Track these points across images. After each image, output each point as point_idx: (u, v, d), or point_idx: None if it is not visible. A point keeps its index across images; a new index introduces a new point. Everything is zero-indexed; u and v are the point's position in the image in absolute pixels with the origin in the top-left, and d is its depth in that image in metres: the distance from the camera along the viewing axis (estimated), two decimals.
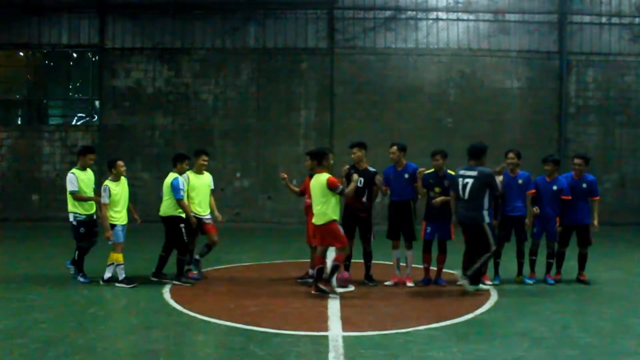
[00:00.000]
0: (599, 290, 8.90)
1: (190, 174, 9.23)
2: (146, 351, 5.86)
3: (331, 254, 8.46)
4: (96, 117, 19.00)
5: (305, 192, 9.02)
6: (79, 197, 8.86)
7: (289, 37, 17.85)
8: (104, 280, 8.76)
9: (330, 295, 8.03)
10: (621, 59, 18.02)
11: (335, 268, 8.15)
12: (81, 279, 8.91)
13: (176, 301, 7.79)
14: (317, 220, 8.15)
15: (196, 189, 9.20)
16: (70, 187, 8.84)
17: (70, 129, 18.54)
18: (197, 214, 9.12)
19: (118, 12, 18.04)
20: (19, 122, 19.91)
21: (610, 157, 17.91)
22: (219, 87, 17.95)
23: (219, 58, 17.93)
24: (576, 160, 9.35)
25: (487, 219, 8.20)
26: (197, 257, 9.31)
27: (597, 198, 9.32)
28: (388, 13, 17.83)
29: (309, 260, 9.14)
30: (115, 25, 18.03)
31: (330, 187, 8.00)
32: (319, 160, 8.28)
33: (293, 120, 17.91)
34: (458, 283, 8.40)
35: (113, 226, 8.70)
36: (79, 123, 19.46)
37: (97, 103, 18.72)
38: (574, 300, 8.29)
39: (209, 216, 9.33)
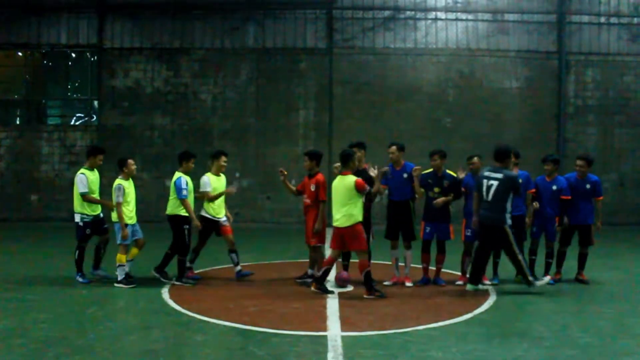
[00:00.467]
0: (598, 290, 8.91)
1: (210, 176, 9.18)
2: (145, 351, 5.86)
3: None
4: (95, 117, 19.00)
5: (303, 191, 9.02)
6: (89, 198, 8.84)
7: (288, 37, 17.85)
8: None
9: (381, 295, 7.99)
10: (620, 59, 18.03)
11: (368, 275, 8.02)
12: (80, 279, 8.89)
13: (175, 301, 7.79)
14: (341, 222, 8.04)
15: (216, 191, 9.11)
16: (81, 188, 8.81)
17: (69, 129, 18.53)
18: (214, 216, 9.08)
19: (117, 12, 18.03)
20: (18, 122, 19.89)
21: (609, 157, 17.91)
22: (218, 87, 17.95)
23: (218, 58, 17.93)
24: (578, 162, 9.36)
25: (508, 222, 8.24)
26: (238, 268, 9.13)
27: (601, 198, 9.35)
28: (387, 13, 17.83)
29: (307, 260, 9.14)
30: (114, 25, 18.03)
31: (359, 189, 7.97)
32: (344, 162, 8.17)
33: (292, 120, 17.91)
34: (538, 285, 8.41)
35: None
36: (77, 123, 19.44)
37: (95, 103, 18.71)
38: (573, 300, 8.30)
39: (224, 218, 9.28)
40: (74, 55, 19.29)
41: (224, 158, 9.31)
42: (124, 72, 18.01)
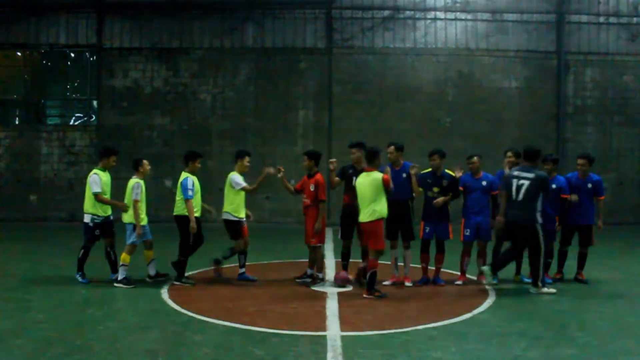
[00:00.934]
0: (597, 289, 8.92)
1: (238, 174, 9.04)
2: (144, 351, 5.86)
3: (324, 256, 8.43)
4: (94, 117, 18.99)
5: (302, 190, 9.02)
6: (101, 199, 8.81)
7: (287, 37, 17.85)
8: (150, 277, 8.97)
9: (380, 296, 7.97)
10: (619, 58, 18.05)
11: (373, 276, 8.00)
12: (80, 279, 8.86)
13: (175, 301, 7.79)
14: (364, 217, 8.04)
15: (240, 193, 8.99)
16: (94, 188, 8.79)
17: (68, 129, 18.53)
18: (236, 217, 8.93)
19: (116, 11, 18.03)
20: (17, 122, 19.89)
21: (608, 157, 17.93)
22: (217, 87, 17.95)
23: (217, 58, 17.93)
24: (579, 161, 9.36)
25: (539, 220, 8.29)
26: (242, 270, 9.10)
27: (603, 198, 9.35)
28: (386, 13, 17.84)
29: (307, 260, 9.15)
30: (113, 25, 18.03)
31: (386, 185, 7.98)
32: (371, 159, 8.15)
33: (291, 120, 17.90)
34: (543, 292, 8.37)
35: (135, 227, 8.71)
36: (76, 123, 19.42)
37: (95, 103, 18.72)
38: (572, 299, 8.30)
39: (244, 218, 9.17)
40: (73, 55, 19.28)
41: (247, 158, 9.18)
42: (123, 72, 18.00)
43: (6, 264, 10.64)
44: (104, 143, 17.34)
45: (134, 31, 17.99)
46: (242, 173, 9.13)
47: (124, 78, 18.00)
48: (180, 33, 17.95)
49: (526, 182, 8.24)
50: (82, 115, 19.79)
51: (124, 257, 8.67)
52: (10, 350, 5.82)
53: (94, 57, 18.44)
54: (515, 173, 8.42)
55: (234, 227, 8.98)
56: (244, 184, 8.92)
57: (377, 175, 8.03)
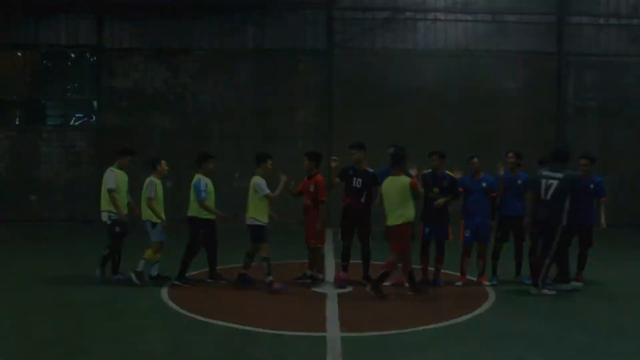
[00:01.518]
0: (597, 290, 8.90)
1: (262, 178, 8.89)
2: (144, 352, 5.86)
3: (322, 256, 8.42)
4: (94, 118, 18.98)
5: (303, 193, 9.01)
6: (114, 197, 8.81)
7: (288, 38, 17.84)
8: (150, 278, 8.90)
9: (382, 296, 7.96)
10: (619, 59, 18.05)
11: (384, 275, 8.01)
12: (98, 274, 8.81)
13: (175, 302, 7.78)
14: (392, 221, 8.04)
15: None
16: (110, 184, 8.82)
17: (68, 130, 18.53)
18: (264, 222, 8.80)
19: (116, 12, 18.02)
20: (17, 123, 19.85)
21: (609, 158, 17.89)
22: (217, 88, 17.94)
23: (217, 58, 17.92)
24: (582, 161, 9.35)
25: (564, 222, 8.36)
26: (244, 272, 9.01)
27: (604, 199, 9.34)
28: (387, 14, 17.84)
29: (307, 261, 9.14)
30: (114, 26, 18.02)
31: (414, 189, 7.97)
32: (397, 162, 8.15)
33: (291, 121, 17.89)
34: (544, 293, 8.34)
35: (154, 225, 8.76)
36: (77, 123, 19.42)
37: (95, 103, 18.71)
38: (572, 300, 8.29)
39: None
40: (73, 55, 19.29)
41: (270, 161, 8.95)
42: (123, 73, 18.00)
43: (6, 264, 10.64)
44: (104, 143, 17.36)
45: (134, 32, 17.99)
46: (265, 177, 8.87)
47: (124, 78, 17.99)
48: (180, 34, 17.95)
49: (555, 182, 8.32)
50: (82, 115, 19.77)
51: (148, 254, 8.72)
52: (10, 350, 5.81)
53: (94, 58, 18.44)
54: (545, 173, 8.50)
55: (258, 232, 8.84)
56: (267, 191, 8.70)
57: (405, 180, 8.03)
